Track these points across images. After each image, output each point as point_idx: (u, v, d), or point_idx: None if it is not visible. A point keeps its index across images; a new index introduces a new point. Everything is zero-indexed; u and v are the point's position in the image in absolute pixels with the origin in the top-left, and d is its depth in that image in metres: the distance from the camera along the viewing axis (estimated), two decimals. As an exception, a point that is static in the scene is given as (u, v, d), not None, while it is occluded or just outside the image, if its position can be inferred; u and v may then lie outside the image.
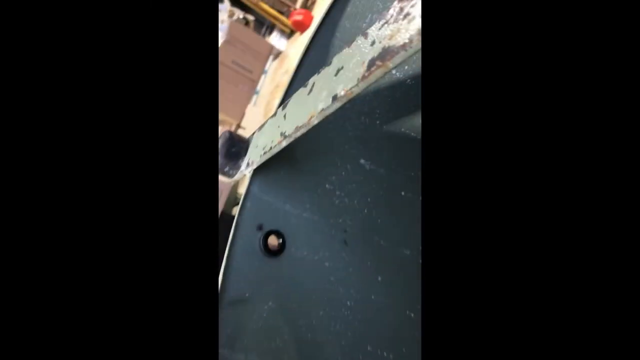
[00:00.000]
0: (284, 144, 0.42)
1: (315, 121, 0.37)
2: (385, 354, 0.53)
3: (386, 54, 0.29)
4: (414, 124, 0.61)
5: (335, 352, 0.52)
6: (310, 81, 0.40)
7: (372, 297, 0.57)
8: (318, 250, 0.55)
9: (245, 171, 0.51)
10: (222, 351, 0.47)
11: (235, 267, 0.49)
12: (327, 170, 0.56)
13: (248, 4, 3.77)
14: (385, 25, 0.31)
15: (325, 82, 0.37)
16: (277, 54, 3.86)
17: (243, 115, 3.21)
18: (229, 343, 0.47)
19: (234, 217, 0.51)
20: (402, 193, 0.62)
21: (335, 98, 0.34)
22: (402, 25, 0.29)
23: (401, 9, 0.29)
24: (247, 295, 0.49)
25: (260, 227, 0.51)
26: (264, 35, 3.96)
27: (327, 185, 0.56)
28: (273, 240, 0.51)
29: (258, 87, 3.47)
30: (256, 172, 0.52)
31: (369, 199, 0.59)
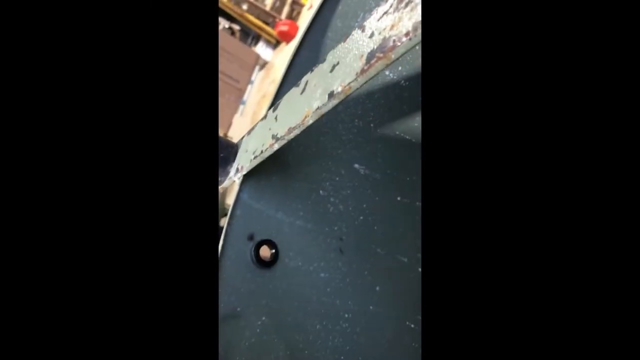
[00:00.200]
0: (276, 146, 0.39)
1: (310, 121, 0.34)
2: (387, 368, 0.50)
3: (387, 45, 0.27)
4: (408, 126, 0.60)
5: (334, 368, 0.49)
6: (303, 80, 0.38)
7: (371, 307, 0.54)
8: (313, 260, 0.52)
9: (234, 177, 0.48)
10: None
11: (225, 279, 0.46)
12: (321, 175, 0.54)
13: (233, 14, 3.76)
14: (385, 15, 0.29)
15: (320, 79, 0.35)
16: (263, 64, 3.85)
17: (230, 125, 3.18)
18: (219, 363, 0.44)
19: (222, 227, 0.47)
20: (398, 198, 0.60)
21: (331, 95, 0.32)
22: (404, 14, 0.27)
23: (402, -3, 0.27)
24: (238, 309, 0.46)
25: (251, 237, 0.48)
26: (249, 46, 3.95)
27: (320, 192, 0.54)
28: (265, 251, 0.48)
29: (245, 97, 3.45)
30: (246, 178, 0.49)
31: (364, 205, 0.57)
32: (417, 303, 0.57)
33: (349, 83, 0.30)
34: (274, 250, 0.48)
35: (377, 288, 0.55)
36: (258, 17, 3.80)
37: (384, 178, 0.58)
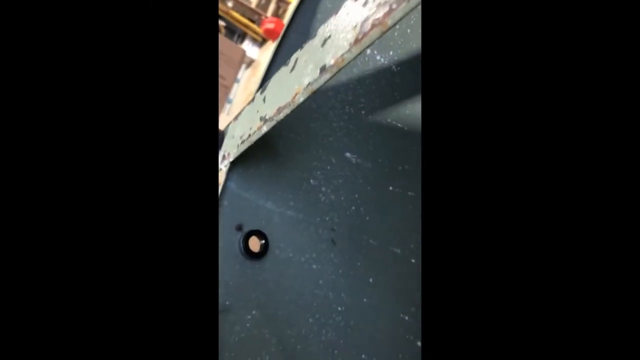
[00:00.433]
0: (265, 129, 0.37)
1: (301, 98, 0.32)
2: (382, 362, 0.49)
3: (383, 10, 0.25)
4: (400, 114, 0.58)
5: (328, 362, 0.47)
6: (292, 58, 0.36)
7: (364, 300, 0.53)
8: (304, 252, 0.50)
9: (220, 165, 0.46)
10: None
11: (212, 273, 0.43)
12: (312, 164, 0.52)
13: (219, 12, 3.71)
14: (379, -19, 0.27)
15: (311, 55, 0.33)
16: (250, 63, 3.81)
17: (216, 124, 3.12)
18: None
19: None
20: (390, 188, 0.58)
21: (323, 69, 0.30)
22: (401, -23, 0.25)
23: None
24: (227, 303, 0.43)
25: (239, 228, 0.46)
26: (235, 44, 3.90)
27: (311, 181, 0.52)
28: (255, 242, 0.46)
29: (231, 96, 3.40)
30: (233, 166, 0.46)
31: (356, 195, 0.55)
32: (411, 295, 0.56)
33: (342, 55, 0.28)
34: (263, 241, 0.46)
35: (371, 280, 0.54)
36: (244, 15, 3.76)
37: (375, 167, 0.56)
